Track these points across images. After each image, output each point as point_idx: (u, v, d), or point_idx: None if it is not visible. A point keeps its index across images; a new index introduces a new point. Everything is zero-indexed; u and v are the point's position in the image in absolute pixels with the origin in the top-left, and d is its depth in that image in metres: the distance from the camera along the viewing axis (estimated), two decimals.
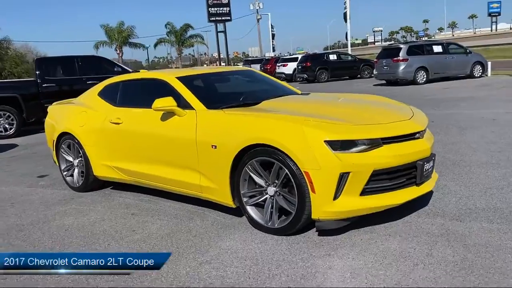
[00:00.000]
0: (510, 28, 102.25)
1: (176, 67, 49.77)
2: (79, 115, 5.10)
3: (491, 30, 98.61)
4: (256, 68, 32.17)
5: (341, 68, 25.12)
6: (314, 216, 3.26)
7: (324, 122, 3.38)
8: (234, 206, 3.78)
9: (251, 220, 3.65)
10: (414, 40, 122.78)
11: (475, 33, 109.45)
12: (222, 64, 42.71)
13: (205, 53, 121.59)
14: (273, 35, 48.43)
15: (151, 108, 4.23)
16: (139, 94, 4.85)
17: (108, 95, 5.03)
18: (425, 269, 2.79)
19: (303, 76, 24.68)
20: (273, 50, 50.24)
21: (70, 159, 5.31)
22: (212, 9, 40.68)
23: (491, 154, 5.48)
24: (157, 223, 4.01)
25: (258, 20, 47.32)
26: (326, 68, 24.50)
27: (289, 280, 2.79)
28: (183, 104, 4.10)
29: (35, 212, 4.63)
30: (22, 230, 4.09)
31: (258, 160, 3.47)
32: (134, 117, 4.55)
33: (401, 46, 17.96)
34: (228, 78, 5.17)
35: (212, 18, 41.06)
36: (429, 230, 3.39)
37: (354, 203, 3.23)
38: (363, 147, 3.24)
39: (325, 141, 3.18)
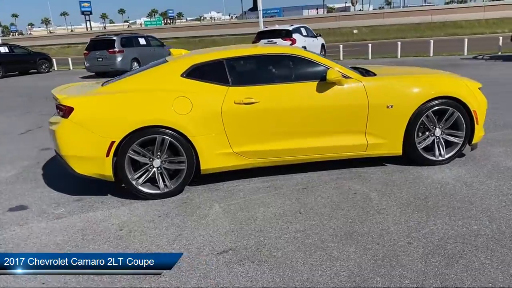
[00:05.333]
0: (104, 28, 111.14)
1: None
2: (177, 101, 4.12)
3: (86, 29, 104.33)
4: None
5: (16, 62, 22.24)
6: (474, 141, 4.74)
7: (461, 77, 4.88)
8: (401, 154, 4.65)
9: (424, 159, 4.67)
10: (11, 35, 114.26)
11: (72, 30, 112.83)
12: None
13: None
14: None
15: (295, 82, 4.49)
16: (267, 70, 4.54)
17: (206, 75, 4.31)
18: None
19: None
20: None
21: (146, 161, 4.18)
22: None
23: None
24: (350, 188, 4.30)
25: None
26: (0, 63, 21.24)
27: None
28: None
29: (192, 222, 3.72)
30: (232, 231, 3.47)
31: (434, 110, 4.56)
32: (275, 94, 4.32)
33: (114, 37, 18.21)
34: None
35: None
36: None
37: (482, 130, 4.91)
38: None
39: (479, 88, 4.72)
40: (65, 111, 4.10)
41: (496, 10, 39.92)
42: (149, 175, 4.20)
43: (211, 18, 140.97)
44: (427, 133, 4.65)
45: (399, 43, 18.79)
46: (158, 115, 4.09)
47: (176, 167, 4.24)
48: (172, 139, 4.12)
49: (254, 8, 21.59)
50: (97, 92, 4.37)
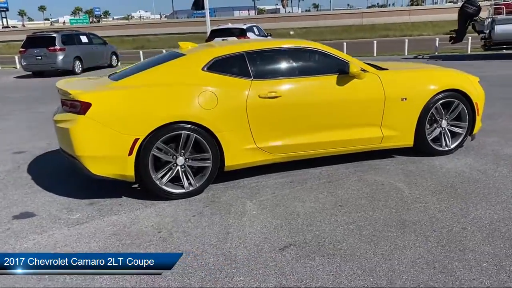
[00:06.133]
0: (23, 25, 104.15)
1: None
2: (202, 95, 3.93)
3: (3, 26, 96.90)
4: None
5: None
6: (474, 132, 5.00)
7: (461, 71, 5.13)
8: (412, 145, 4.79)
9: (433, 150, 4.85)
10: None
11: None
12: None
13: None
14: None
15: (315, 76, 4.47)
16: (287, 63, 4.44)
17: (227, 68, 4.16)
18: None
19: None
20: None
21: (169, 159, 3.95)
22: None
23: None
24: (375, 180, 4.37)
25: None
26: None
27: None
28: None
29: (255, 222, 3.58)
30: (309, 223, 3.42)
31: (442, 103, 4.75)
32: (297, 87, 4.28)
33: (54, 35, 17.11)
34: None
35: None
36: None
37: (480, 121, 5.18)
38: None
39: (478, 81, 5.00)
40: (81, 107, 3.76)
41: (420, 14, 42.68)
42: (173, 174, 3.97)
43: (140, 17, 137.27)
44: (434, 124, 4.83)
45: (345, 43, 19.44)
46: (184, 110, 3.88)
47: (201, 164, 4.05)
48: (197, 135, 3.92)
49: (199, 7, 21.28)
50: (113, 87, 4.04)
